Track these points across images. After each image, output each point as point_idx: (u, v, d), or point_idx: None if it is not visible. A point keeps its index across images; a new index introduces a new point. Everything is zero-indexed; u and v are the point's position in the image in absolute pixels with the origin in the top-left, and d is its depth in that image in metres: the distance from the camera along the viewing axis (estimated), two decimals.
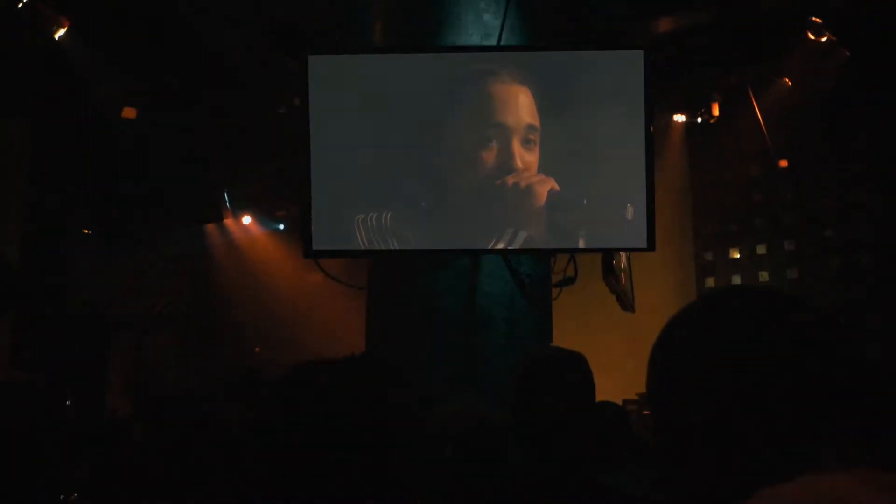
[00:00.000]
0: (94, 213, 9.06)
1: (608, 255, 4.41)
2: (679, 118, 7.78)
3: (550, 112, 3.77)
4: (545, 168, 3.75)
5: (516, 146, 3.73)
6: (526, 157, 3.74)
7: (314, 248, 3.86)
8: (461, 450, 2.08)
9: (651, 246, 3.80)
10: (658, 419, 0.91)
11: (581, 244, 3.78)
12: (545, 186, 3.73)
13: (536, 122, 3.76)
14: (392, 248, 3.76)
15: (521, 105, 3.78)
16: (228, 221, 9.46)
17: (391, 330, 4.00)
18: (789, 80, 6.95)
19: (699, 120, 7.54)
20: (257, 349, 9.49)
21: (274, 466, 1.24)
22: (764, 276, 7.89)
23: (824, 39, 6.16)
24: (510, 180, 3.72)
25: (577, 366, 2.03)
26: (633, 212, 3.73)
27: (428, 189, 3.81)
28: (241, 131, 7.67)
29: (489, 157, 3.74)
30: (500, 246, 3.73)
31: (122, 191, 8.75)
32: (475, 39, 4.01)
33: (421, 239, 3.78)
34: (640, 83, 3.78)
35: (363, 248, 3.78)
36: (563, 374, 2.00)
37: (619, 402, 3.72)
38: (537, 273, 4.06)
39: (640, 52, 3.83)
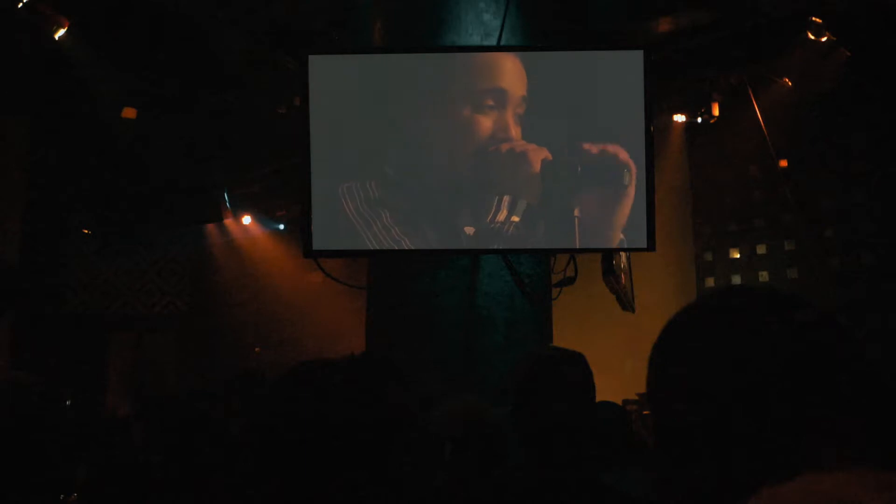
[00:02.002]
0: (94, 213, 9.06)
1: (608, 255, 4.41)
2: (679, 118, 7.77)
3: (544, 97, 3.81)
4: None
5: (510, 115, 3.76)
6: (517, 129, 3.77)
7: (314, 248, 3.86)
8: (461, 450, 2.08)
9: (651, 246, 3.80)
10: (658, 419, 0.91)
11: (577, 213, 3.77)
12: (539, 154, 3.74)
13: (526, 94, 3.80)
14: (386, 222, 3.77)
15: (515, 74, 3.81)
16: (228, 221, 9.45)
17: (391, 330, 4.00)
18: (789, 80, 6.94)
19: (699, 120, 7.53)
20: (257, 349, 9.49)
21: (274, 466, 1.24)
22: (764, 276, 7.88)
23: (824, 39, 6.15)
24: (504, 147, 3.74)
25: (576, 365, 2.03)
26: (630, 177, 3.73)
27: (425, 166, 3.83)
28: (241, 131, 7.67)
29: (487, 122, 3.76)
30: (503, 216, 3.73)
31: (122, 191, 8.75)
32: (475, 39, 4.01)
33: (421, 216, 3.78)
34: (640, 83, 3.79)
35: (356, 227, 3.78)
36: (563, 374, 2.00)
37: (619, 402, 3.72)
38: (537, 273, 4.06)
39: (640, 52, 3.84)
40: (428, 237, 3.79)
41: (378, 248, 3.79)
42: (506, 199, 3.76)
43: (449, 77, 3.86)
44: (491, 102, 3.76)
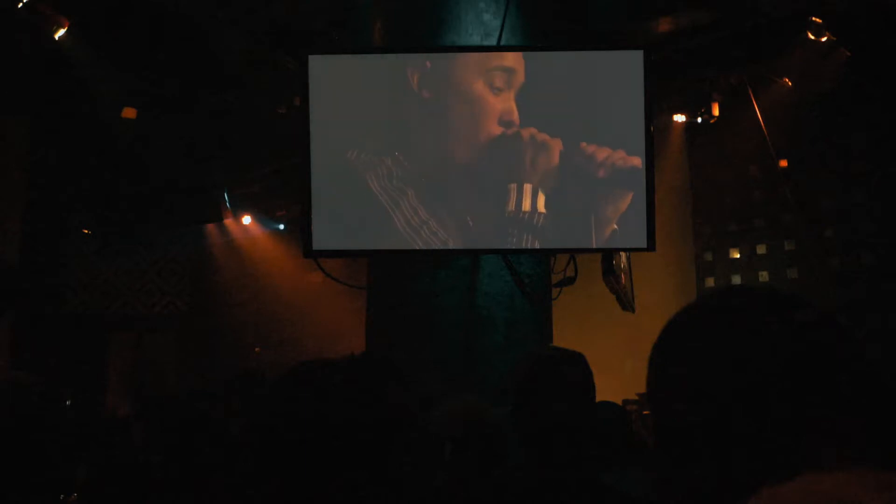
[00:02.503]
0: (94, 213, 9.06)
1: (608, 255, 4.41)
2: (679, 118, 7.77)
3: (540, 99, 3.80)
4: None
5: (514, 100, 3.76)
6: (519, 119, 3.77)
7: (314, 248, 3.86)
8: (461, 450, 2.08)
9: (651, 246, 3.80)
10: (658, 419, 0.91)
11: (594, 211, 3.76)
12: (556, 142, 3.74)
13: (525, 81, 3.80)
14: (408, 209, 3.75)
15: (517, 62, 3.81)
16: (228, 221, 9.45)
17: (391, 330, 4.00)
18: (789, 80, 6.94)
19: (699, 120, 7.52)
20: (257, 349, 9.49)
21: (274, 466, 1.24)
22: (764, 276, 7.88)
23: (824, 39, 6.15)
24: (525, 133, 3.73)
25: (576, 365, 2.03)
26: (630, 177, 3.73)
27: (432, 161, 3.81)
28: (241, 131, 7.67)
29: (497, 103, 3.75)
30: (527, 205, 3.71)
31: (122, 191, 8.76)
32: (475, 39, 4.01)
33: (438, 211, 3.77)
34: (640, 83, 3.78)
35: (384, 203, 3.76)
36: (563, 374, 2.00)
37: (619, 402, 3.72)
38: (537, 273, 4.06)
39: (640, 52, 3.83)
40: (451, 232, 3.77)
41: (406, 232, 3.76)
42: (527, 186, 3.74)
43: (455, 63, 3.85)
44: (499, 84, 3.75)
